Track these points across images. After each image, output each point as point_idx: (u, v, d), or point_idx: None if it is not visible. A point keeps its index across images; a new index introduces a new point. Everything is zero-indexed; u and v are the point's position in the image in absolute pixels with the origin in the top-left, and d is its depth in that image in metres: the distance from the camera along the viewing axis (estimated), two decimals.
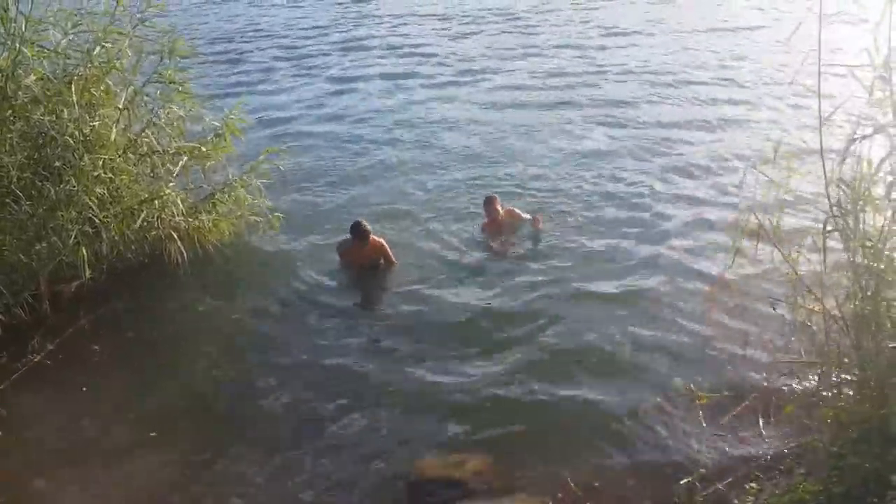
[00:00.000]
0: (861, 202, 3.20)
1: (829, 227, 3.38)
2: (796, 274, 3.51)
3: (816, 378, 4.06)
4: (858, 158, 3.23)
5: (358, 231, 6.05)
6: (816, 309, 3.54)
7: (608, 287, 5.89)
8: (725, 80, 11.08)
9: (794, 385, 4.33)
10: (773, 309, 4.44)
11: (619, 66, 11.90)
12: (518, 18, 15.62)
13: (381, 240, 6.32)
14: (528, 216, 6.72)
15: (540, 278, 6.06)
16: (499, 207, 6.63)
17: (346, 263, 6.33)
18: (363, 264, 6.29)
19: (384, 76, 12.23)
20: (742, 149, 8.40)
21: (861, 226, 3.28)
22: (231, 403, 4.86)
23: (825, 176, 3.38)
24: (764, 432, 4.12)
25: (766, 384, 4.52)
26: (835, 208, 3.34)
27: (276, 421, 4.67)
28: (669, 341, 5.15)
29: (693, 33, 13.79)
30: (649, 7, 16.25)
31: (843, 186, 3.31)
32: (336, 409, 4.71)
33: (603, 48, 13.03)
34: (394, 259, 6.34)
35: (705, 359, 4.94)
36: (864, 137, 3.20)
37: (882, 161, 3.21)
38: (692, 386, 4.56)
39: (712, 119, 9.54)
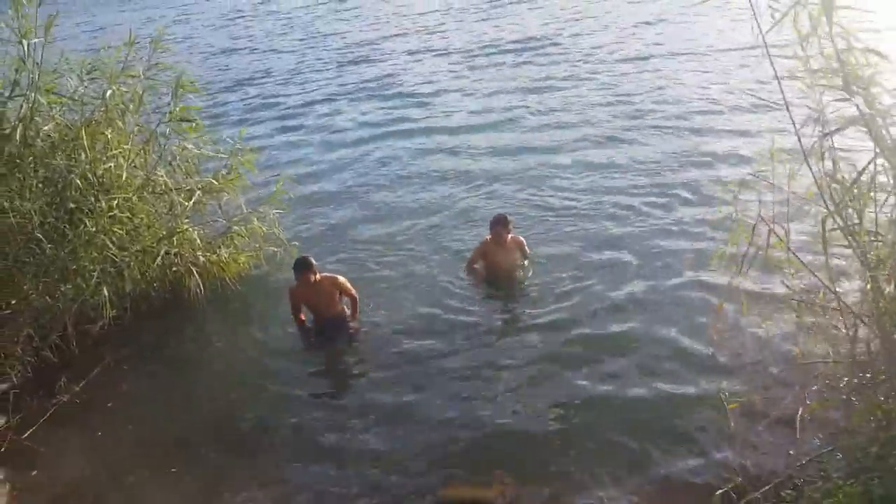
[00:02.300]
0: (857, 195, 3.12)
1: (829, 225, 3.28)
2: (812, 274, 3.42)
3: (846, 378, 3.93)
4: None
5: (300, 265, 5.53)
6: (834, 307, 3.44)
7: (619, 304, 5.78)
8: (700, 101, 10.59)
9: (825, 386, 4.20)
10: (796, 314, 4.30)
11: (629, 95, 11.24)
12: (535, 49, 15.06)
13: (337, 276, 5.85)
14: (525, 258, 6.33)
15: (545, 302, 5.93)
16: (510, 230, 6.13)
17: (299, 305, 5.80)
18: (318, 310, 5.79)
19: (400, 112, 11.99)
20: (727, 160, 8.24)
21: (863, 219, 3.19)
22: (251, 437, 4.87)
23: (813, 176, 3.30)
24: (799, 436, 4.00)
25: (794, 388, 4.40)
26: (831, 205, 3.25)
27: (296, 453, 4.67)
28: (689, 353, 5.06)
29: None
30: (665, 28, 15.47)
31: (833, 183, 3.23)
32: (355, 439, 4.71)
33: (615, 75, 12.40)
34: (354, 293, 5.84)
35: (730, 368, 4.83)
36: (835, 132, 3.12)
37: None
38: (721, 394, 4.45)
39: (692, 139, 9.19)
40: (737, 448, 4.08)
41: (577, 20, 17.35)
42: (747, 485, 3.78)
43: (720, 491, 3.76)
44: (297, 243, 6.56)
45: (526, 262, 6.37)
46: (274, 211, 6.54)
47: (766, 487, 3.74)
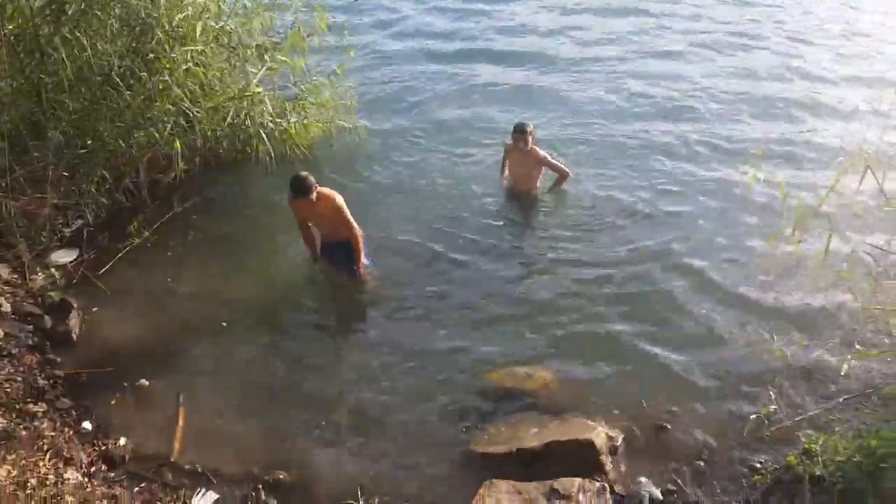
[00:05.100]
0: None
1: None
2: None
3: None
4: None
5: (293, 188, 4.71)
6: None
7: (670, 237, 5.66)
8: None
9: (884, 332, 4.29)
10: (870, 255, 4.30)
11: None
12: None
13: (335, 197, 4.85)
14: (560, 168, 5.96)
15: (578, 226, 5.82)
16: (530, 139, 5.74)
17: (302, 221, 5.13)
18: (322, 231, 5.20)
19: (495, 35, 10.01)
20: None
21: None
22: (299, 301, 5.09)
23: None
24: (844, 377, 4.15)
25: (853, 330, 4.52)
26: None
27: (344, 322, 4.92)
28: (744, 286, 5.09)
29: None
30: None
31: None
32: (406, 316, 4.94)
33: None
34: (354, 227, 4.94)
35: (786, 303, 4.90)
36: None
37: None
38: (767, 334, 4.56)
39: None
40: (782, 379, 4.27)
41: None
42: (782, 413, 4.00)
43: (754, 415, 3.99)
44: (367, 123, 6.50)
45: (548, 183, 6.06)
46: (347, 84, 6.44)
47: (799, 418, 3.95)
